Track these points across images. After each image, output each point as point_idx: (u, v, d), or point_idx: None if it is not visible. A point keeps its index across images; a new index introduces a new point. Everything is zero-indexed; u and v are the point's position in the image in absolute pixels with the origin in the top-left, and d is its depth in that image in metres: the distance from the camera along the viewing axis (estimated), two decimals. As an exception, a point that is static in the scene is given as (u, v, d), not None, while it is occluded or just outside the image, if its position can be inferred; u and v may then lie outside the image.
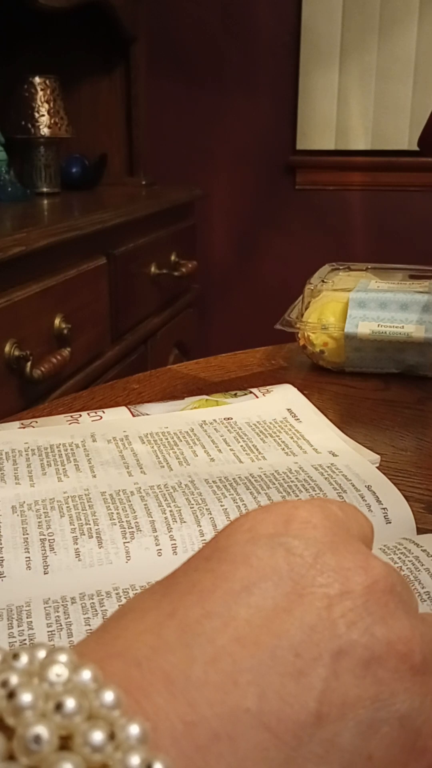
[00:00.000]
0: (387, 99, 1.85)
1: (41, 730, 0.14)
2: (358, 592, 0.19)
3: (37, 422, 0.50)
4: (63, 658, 0.15)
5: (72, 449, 0.45)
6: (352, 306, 0.64)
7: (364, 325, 0.63)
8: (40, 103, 1.48)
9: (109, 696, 0.15)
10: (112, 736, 0.14)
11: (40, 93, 1.48)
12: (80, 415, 0.51)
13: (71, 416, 0.51)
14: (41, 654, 0.16)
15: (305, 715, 0.17)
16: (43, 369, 0.98)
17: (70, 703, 0.14)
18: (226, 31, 1.90)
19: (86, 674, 0.15)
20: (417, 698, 0.18)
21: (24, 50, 1.68)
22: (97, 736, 0.14)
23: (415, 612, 0.20)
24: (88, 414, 0.51)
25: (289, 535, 0.20)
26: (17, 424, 0.49)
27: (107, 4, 1.56)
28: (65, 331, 1.09)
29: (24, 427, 0.48)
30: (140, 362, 1.44)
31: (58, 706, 0.14)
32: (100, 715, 0.15)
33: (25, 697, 0.14)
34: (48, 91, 1.49)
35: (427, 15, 1.78)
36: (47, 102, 1.49)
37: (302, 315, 0.66)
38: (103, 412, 0.51)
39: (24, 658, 0.15)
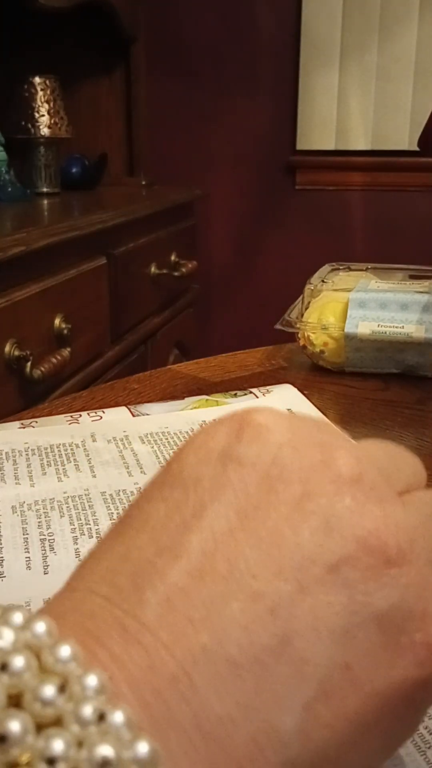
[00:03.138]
0: (387, 99, 1.85)
1: None
2: (319, 491, 0.17)
3: (37, 422, 0.50)
4: (17, 618, 0.15)
5: (72, 449, 0.45)
6: (352, 306, 0.64)
7: (364, 325, 0.63)
8: (40, 103, 1.48)
9: (65, 651, 0.14)
10: (63, 689, 0.14)
11: (40, 93, 1.48)
12: (80, 415, 0.51)
13: (71, 416, 0.51)
14: None
15: (268, 638, 0.16)
16: (43, 369, 0.98)
17: (18, 662, 0.14)
18: (226, 31, 1.90)
19: (40, 627, 0.15)
20: (395, 593, 0.17)
21: (24, 50, 1.68)
22: (48, 690, 0.14)
23: (393, 497, 0.18)
24: (88, 414, 0.51)
25: (242, 444, 0.19)
26: (17, 424, 0.49)
27: (107, 4, 1.56)
28: (65, 331, 1.09)
29: (24, 427, 0.48)
30: (140, 362, 1.44)
31: (3, 666, 0.14)
32: (55, 671, 0.14)
33: None
34: (48, 91, 1.49)
35: (427, 15, 1.78)
36: (47, 102, 1.49)
37: (302, 315, 0.66)
38: (103, 412, 0.51)
39: None
